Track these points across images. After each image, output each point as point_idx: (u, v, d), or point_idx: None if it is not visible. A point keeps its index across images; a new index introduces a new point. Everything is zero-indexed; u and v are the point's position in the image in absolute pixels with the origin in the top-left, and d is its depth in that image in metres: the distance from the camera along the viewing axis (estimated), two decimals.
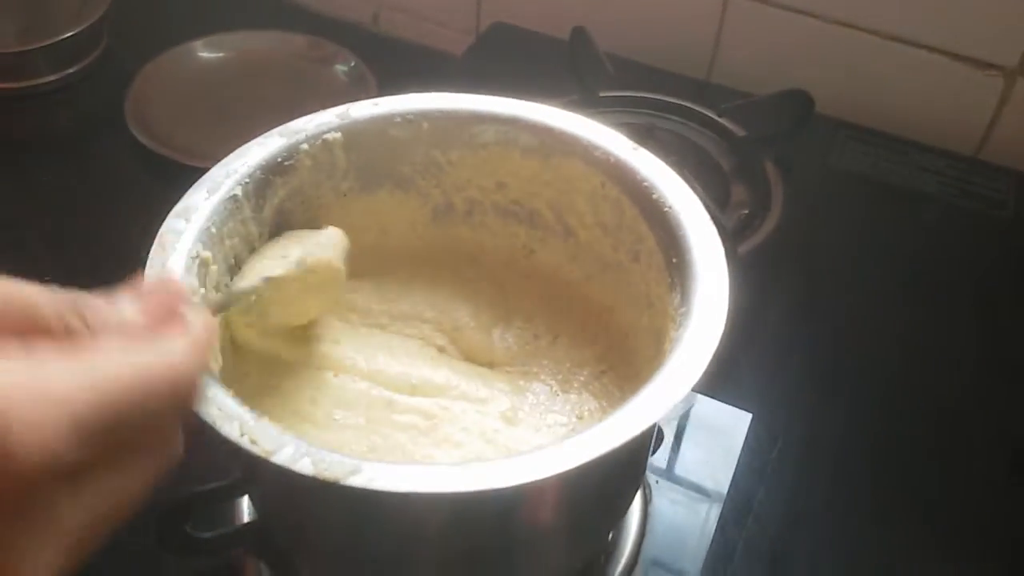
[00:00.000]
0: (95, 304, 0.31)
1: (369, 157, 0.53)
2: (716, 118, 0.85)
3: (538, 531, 0.45)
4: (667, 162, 0.51)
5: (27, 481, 0.25)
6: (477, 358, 0.54)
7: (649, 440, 0.53)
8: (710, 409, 0.67)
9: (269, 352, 0.49)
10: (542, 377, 0.53)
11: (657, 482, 0.62)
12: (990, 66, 0.85)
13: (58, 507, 0.26)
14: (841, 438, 0.66)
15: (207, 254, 0.45)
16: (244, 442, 0.36)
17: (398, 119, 0.53)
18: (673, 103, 0.87)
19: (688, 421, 0.67)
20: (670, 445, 0.65)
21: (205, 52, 0.97)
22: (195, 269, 0.44)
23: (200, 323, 0.32)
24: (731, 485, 0.62)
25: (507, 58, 0.95)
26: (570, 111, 0.54)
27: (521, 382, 0.52)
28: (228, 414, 0.37)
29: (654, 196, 0.50)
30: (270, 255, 0.48)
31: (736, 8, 0.91)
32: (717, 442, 0.65)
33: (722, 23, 0.92)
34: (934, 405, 0.68)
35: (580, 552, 0.52)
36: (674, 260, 0.47)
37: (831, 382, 0.69)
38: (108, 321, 0.31)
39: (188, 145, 0.84)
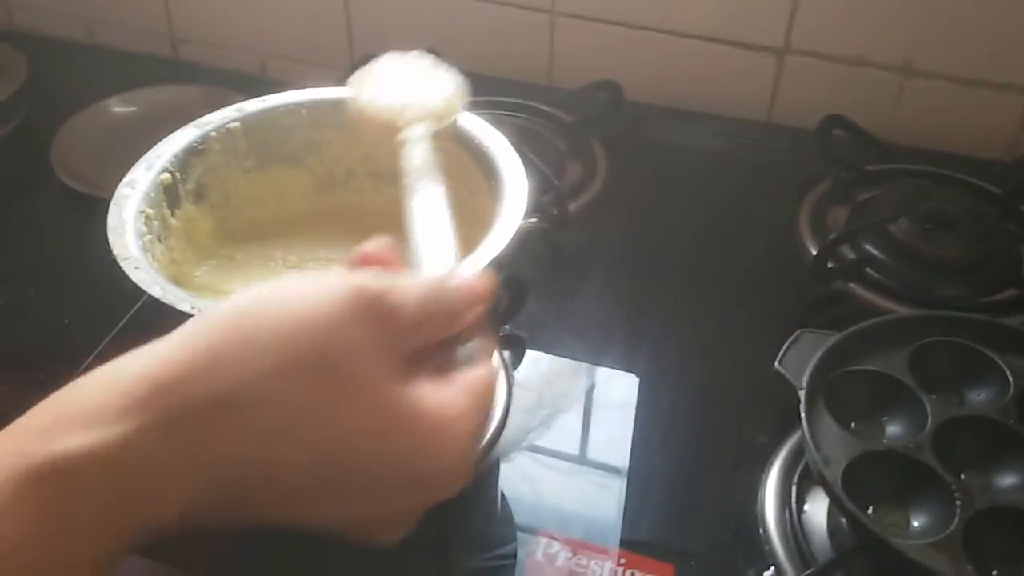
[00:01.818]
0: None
1: (263, 140, 0.71)
2: (548, 109, 1.04)
3: None
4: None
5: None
6: None
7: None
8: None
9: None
10: None
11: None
12: (764, 48, 1.06)
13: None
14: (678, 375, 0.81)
15: (149, 210, 0.62)
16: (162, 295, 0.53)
17: (282, 109, 0.70)
18: (519, 103, 1.06)
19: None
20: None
21: (118, 107, 1.13)
22: (142, 220, 0.61)
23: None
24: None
25: None
26: None
27: None
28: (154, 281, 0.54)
29: (476, 143, 0.68)
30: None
31: (563, 25, 1.11)
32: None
33: (552, 37, 1.12)
34: (756, 325, 0.86)
35: None
36: (492, 183, 0.65)
37: (660, 322, 0.86)
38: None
39: (110, 185, 0.99)
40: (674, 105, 1.09)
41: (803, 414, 0.64)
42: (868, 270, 0.87)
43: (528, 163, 0.92)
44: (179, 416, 0.34)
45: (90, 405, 0.34)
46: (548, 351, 0.82)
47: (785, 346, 0.69)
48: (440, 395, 0.40)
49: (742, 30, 1.06)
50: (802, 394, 0.65)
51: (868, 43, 1.03)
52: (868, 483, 0.62)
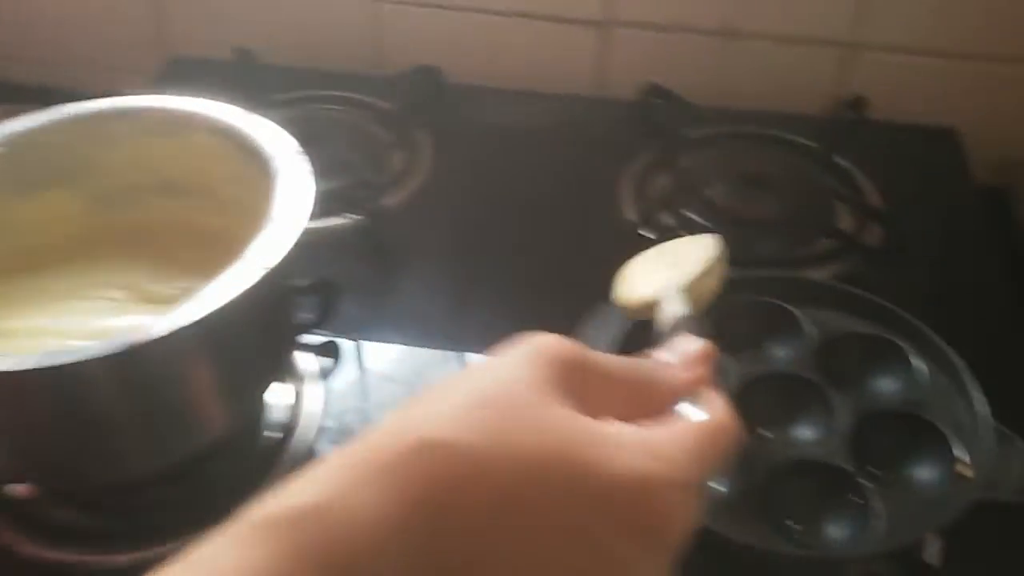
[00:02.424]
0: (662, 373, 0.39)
1: (30, 162, 0.67)
2: (370, 99, 1.02)
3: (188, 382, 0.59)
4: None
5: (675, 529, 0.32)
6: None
7: (284, 296, 0.67)
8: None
9: None
10: None
11: None
12: (585, 22, 1.06)
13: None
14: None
15: None
16: None
17: (53, 125, 0.67)
18: (341, 96, 1.04)
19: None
20: None
21: None
22: None
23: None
24: None
25: (189, 86, 1.09)
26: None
27: None
28: None
29: (255, 146, 0.66)
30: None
31: (388, 12, 1.09)
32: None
33: (377, 24, 1.09)
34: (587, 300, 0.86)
35: (229, 411, 0.64)
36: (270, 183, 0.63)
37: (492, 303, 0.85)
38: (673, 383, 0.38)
39: None
40: (498, 86, 1.08)
41: None
42: None
43: (340, 157, 0.92)
44: None
45: None
46: (412, 343, 0.81)
47: (584, 322, 0.69)
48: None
49: (561, 5, 1.05)
50: None
51: (687, 9, 1.03)
52: None
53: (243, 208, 0.68)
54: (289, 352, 0.72)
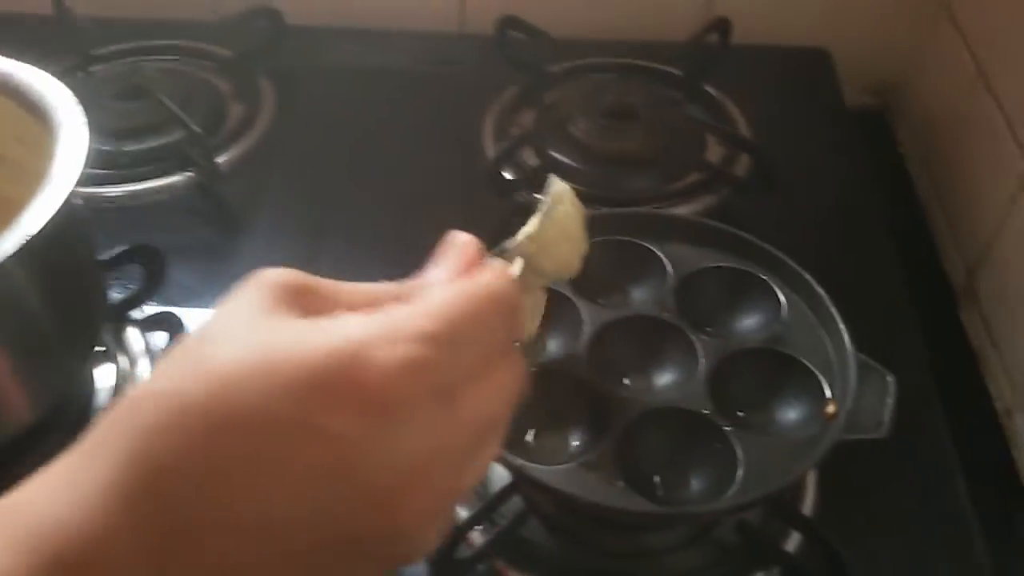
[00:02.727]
0: (414, 283, 0.35)
1: None
2: (206, 47, 0.94)
3: None
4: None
5: (399, 390, 0.29)
6: None
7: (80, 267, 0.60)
8: None
9: None
10: None
11: None
12: None
13: (439, 420, 0.30)
14: None
15: None
16: None
17: None
18: (170, 45, 0.95)
19: None
20: None
21: None
22: None
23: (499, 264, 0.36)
24: None
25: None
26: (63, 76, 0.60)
27: None
28: None
29: (38, 104, 0.58)
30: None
31: None
32: None
33: None
34: None
35: (27, 399, 0.58)
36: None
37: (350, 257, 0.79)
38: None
39: None
40: (345, 25, 1.00)
41: None
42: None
43: (171, 112, 0.83)
44: None
45: None
46: None
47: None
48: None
49: None
50: None
51: None
52: (524, 410, 0.57)
53: (31, 172, 0.60)
54: (99, 329, 0.65)
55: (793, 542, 0.59)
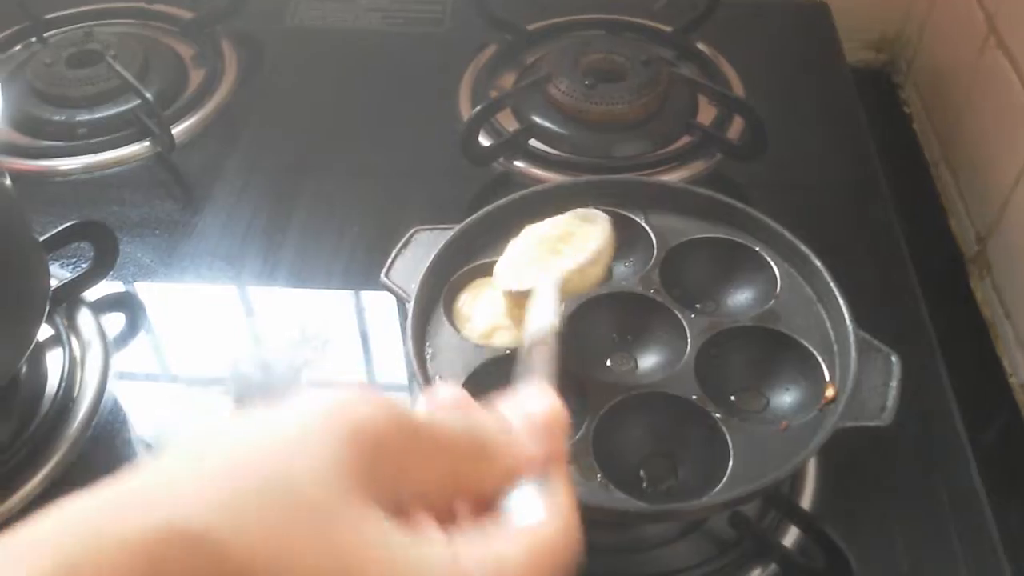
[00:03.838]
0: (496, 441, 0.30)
1: None
2: (166, 9, 0.88)
3: None
4: None
5: None
6: None
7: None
8: None
9: None
10: None
11: None
12: None
13: None
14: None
15: None
16: None
17: None
18: (129, 7, 0.90)
19: None
20: None
21: None
22: None
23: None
24: None
25: None
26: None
27: None
28: None
29: None
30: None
31: None
32: None
33: None
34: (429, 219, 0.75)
35: None
36: None
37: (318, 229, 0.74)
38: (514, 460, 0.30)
39: None
40: None
41: (409, 329, 0.53)
42: (533, 142, 0.77)
43: (126, 79, 0.78)
44: None
45: None
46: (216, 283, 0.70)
47: (394, 252, 0.58)
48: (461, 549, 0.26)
49: None
50: (410, 307, 0.54)
51: None
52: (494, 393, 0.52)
53: None
54: (40, 313, 0.60)
55: (792, 536, 0.54)
